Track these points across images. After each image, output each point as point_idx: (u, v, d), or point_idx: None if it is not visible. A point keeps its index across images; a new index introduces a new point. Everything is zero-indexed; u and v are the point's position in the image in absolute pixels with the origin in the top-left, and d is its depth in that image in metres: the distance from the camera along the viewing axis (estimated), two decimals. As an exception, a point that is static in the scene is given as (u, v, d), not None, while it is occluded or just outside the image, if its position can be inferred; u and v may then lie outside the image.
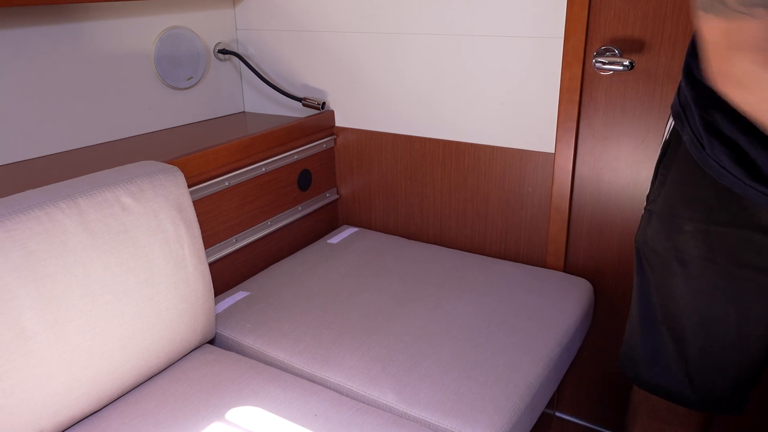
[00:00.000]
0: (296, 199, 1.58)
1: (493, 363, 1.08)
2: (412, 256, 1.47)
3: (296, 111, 1.69)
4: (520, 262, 1.48)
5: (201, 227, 1.30)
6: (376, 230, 1.68)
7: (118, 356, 0.98)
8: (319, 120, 1.60)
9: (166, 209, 1.06)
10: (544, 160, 1.38)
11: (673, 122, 0.89)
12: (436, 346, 1.12)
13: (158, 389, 1.04)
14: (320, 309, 1.25)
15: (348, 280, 1.36)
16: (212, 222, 1.33)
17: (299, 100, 1.63)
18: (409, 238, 1.62)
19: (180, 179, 1.11)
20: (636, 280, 0.98)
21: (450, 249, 1.52)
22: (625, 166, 1.31)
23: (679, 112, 0.85)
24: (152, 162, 1.11)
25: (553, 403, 1.56)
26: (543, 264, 1.46)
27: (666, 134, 0.92)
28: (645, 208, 0.94)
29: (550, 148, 1.37)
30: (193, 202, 1.26)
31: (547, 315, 1.22)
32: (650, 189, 0.95)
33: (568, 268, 1.44)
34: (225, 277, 1.40)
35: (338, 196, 1.72)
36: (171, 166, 1.11)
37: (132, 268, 1.00)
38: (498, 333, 1.16)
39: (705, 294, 0.88)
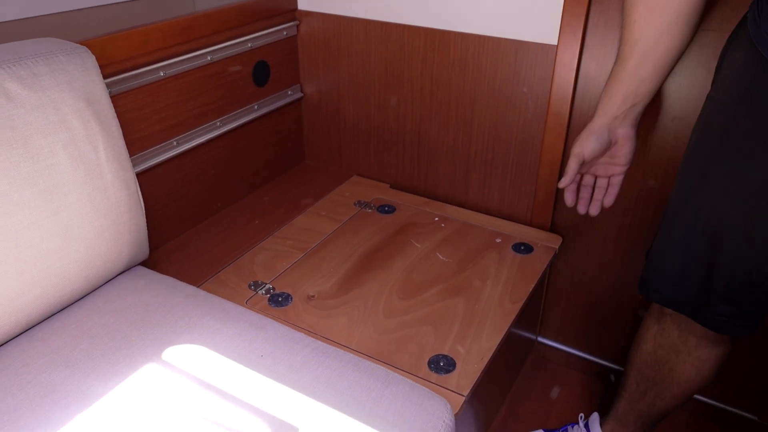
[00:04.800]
0: (251, 96, 1.34)
1: None
2: None
3: (253, -9, 1.41)
4: (508, 175, 1.30)
5: (131, 127, 1.07)
6: (346, 136, 1.47)
7: (14, 284, 0.79)
8: (277, 1, 1.34)
9: (71, 100, 0.84)
10: (544, 53, 1.16)
11: None
12: None
13: (72, 322, 0.86)
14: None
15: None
16: (145, 121, 1.11)
17: (254, -25, 1.35)
18: (385, 144, 1.42)
19: (90, 62, 0.87)
20: (680, 183, 0.84)
21: None
22: (640, 62, 1.10)
23: None
24: (53, 39, 0.87)
25: (536, 328, 1.44)
26: (535, 177, 1.27)
27: None
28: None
29: (552, 39, 1.14)
30: (120, 95, 1.03)
31: None
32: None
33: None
34: (166, 187, 1.19)
35: (302, 95, 1.49)
36: (78, 45, 0.87)
37: (26, 176, 0.79)
38: None
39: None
